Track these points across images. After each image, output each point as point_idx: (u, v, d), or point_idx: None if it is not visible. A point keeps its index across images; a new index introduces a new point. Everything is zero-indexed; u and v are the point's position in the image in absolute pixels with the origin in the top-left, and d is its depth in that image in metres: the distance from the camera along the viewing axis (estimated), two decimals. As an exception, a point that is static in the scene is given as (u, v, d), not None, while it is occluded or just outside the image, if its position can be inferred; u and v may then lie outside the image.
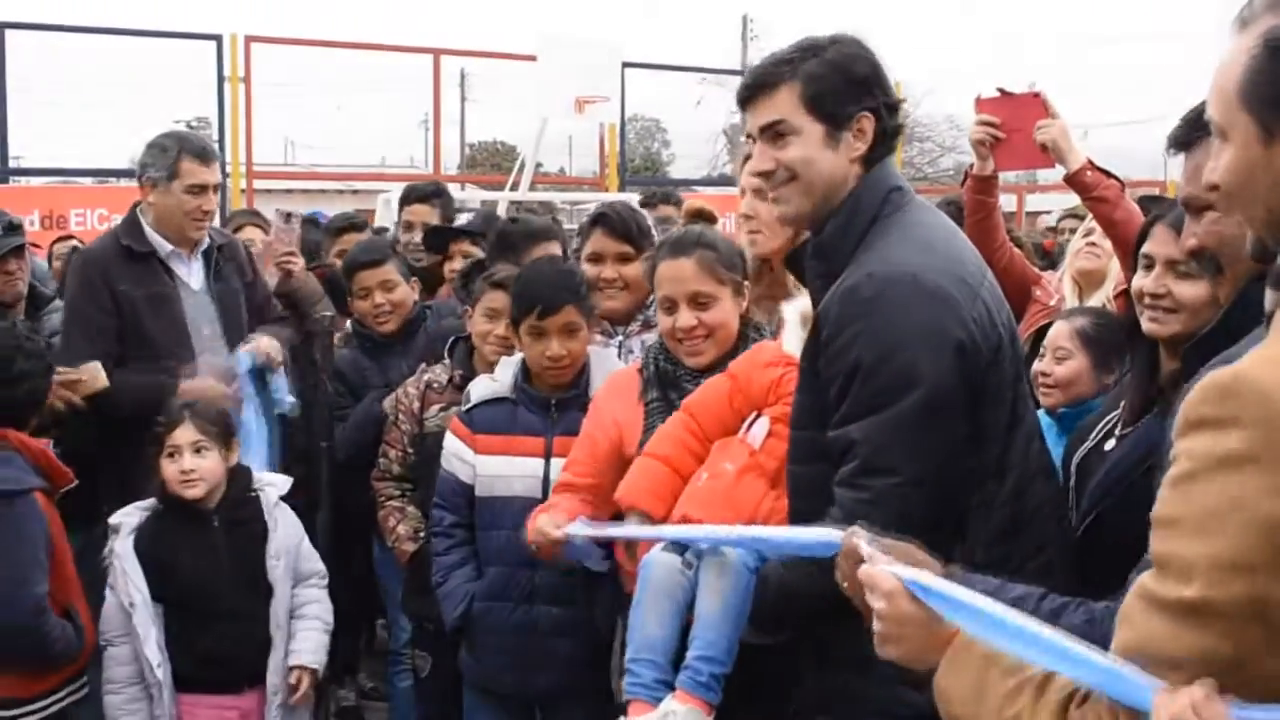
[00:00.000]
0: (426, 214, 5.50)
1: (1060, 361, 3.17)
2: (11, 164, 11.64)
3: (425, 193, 5.73)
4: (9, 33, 11.30)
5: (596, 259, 3.53)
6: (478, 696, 3.39)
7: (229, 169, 12.46)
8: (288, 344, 4.21)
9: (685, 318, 2.82)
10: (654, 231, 3.72)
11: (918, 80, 43.21)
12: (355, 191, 18.17)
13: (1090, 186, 3.50)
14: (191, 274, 4.11)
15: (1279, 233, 1.44)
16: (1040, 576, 1.99)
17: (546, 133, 12.75)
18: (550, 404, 3.23)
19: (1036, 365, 3.20)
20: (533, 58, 12.62)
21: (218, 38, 12.13)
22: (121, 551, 3.33)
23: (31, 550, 3.09)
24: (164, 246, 4.05)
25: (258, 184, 13.12)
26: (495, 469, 3.23)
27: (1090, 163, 3.53)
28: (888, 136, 2.26)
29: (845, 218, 2.23)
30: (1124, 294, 3.67)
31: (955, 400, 2.06)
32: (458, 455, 3.30)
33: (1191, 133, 2.00)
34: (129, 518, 3.40)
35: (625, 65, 13.60)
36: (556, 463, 3.13)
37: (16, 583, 3.04)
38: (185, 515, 3.41)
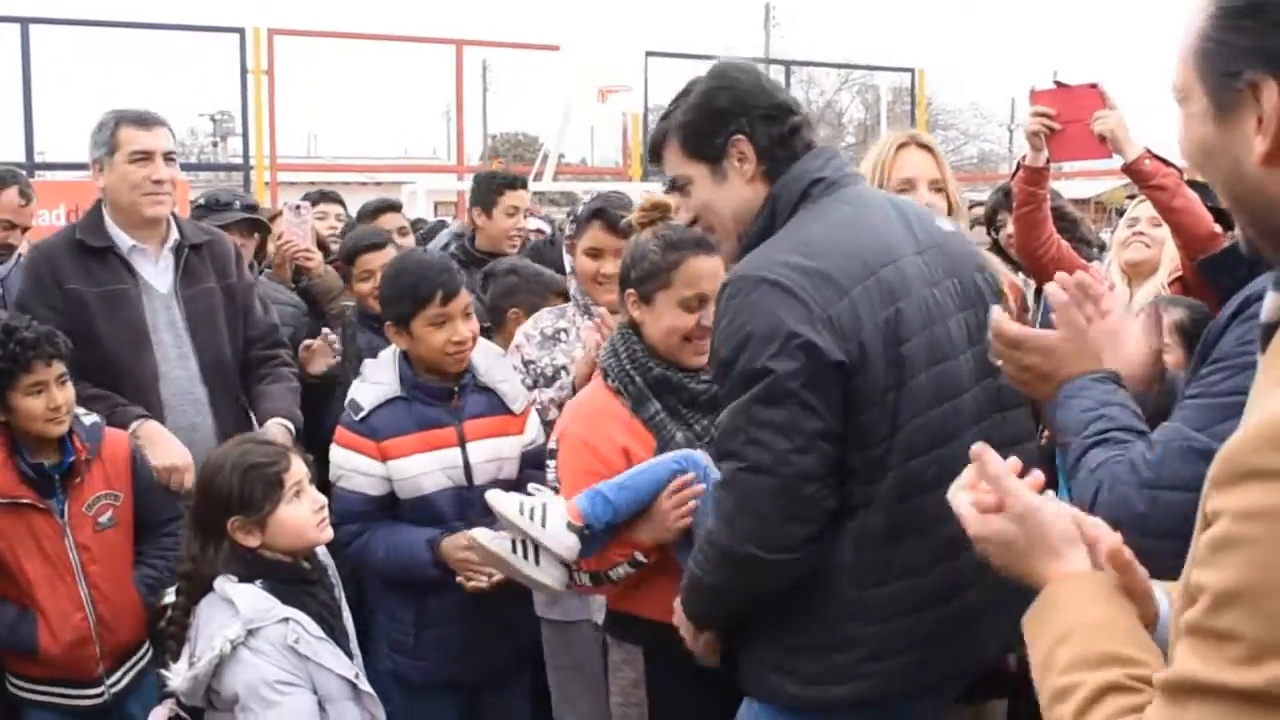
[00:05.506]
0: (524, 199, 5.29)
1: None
2: (37, 158, 11.69)
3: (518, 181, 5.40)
4: (33, 28, 11.34)
5: (595, 254, 3.40)
6: (421, 693, 3.22)
7: (253, 161, 12.54)
8: (297, 395, 3.91)
9: (711, 315, 2.76)
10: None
11: (939, 67, 42.96)
12: (378, 183, 18.24)
13: (1149, 175, 3.45)
14: (157, 274, 3.66)
15: (1252, 222, 1.24)
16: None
17: (569, 123, 12.74)
18: (452, 392, 3.18)
19: None
20: (555, 48, 12.61)
21: (240, 31, 12.15)
22: None
23: None
24: (125, 241, 3.62)
25: (281, 176, 13.17)
26: (417, 468, 3.11)
27: (1148, 151, 3.48)
28: (781, 142, 2.28)
29: (764, 221, 2.28)
30: (1178, 281, 3.67)
31: (795, 395, 2.09)
32: (358, 470, 3.12)
33: None
34: None
35: (648, 54, 13.56)
36: (472, 447, 3.14)
37: None
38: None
